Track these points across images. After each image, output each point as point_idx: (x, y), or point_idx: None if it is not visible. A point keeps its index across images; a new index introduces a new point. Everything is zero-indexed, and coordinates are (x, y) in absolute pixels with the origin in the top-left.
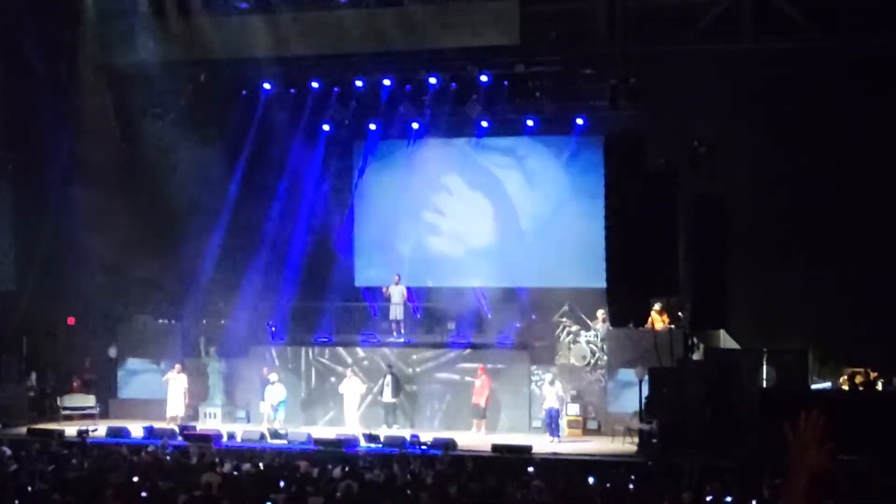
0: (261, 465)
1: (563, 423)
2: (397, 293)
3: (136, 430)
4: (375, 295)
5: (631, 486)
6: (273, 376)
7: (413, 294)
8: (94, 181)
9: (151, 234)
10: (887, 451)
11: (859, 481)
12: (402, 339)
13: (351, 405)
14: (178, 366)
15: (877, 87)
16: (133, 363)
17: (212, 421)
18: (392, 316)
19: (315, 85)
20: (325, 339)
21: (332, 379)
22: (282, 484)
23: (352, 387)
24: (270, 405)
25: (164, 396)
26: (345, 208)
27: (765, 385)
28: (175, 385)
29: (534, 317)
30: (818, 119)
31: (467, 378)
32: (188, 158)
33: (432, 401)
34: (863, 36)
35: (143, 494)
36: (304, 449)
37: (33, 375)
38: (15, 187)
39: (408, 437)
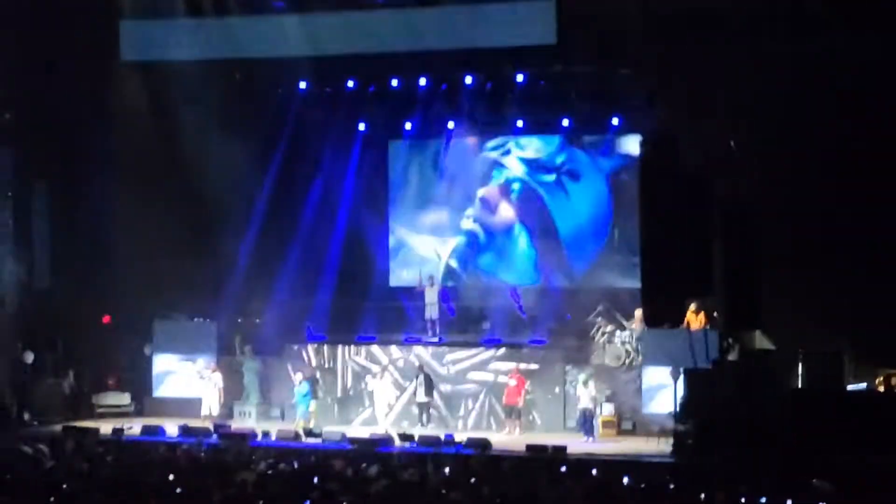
0: (295, 463)
1: (597, 423)
2: (432, 293)
3: (172, 428)
4: (410, 295)
5: (672, 486)
6: (297, 377)
7: (447, 294)
8: (130, 180)
9: (186, 233)
10: None
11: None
12: (436, 339)
13: (381, 404)
14: (212, 364)
15: None
16: (168, 361)
17: (247, 419)
18: (427, 316)
19: (350, 84)
20: (370, 339)
21: (368, 378)
22: (315, 481)
23: (383, 386)
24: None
25: (199, 395)
26: (380, 208)
27: (800, 386)
28: (209, 384)
29: (569, 316)
30: (857, 121)
31: (501, 378)
32: (223, 157)
33: (466, 400)
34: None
35: (179, 492)
36: (339, 448)
37: (71, 373)
38: (50, 185)
39: (442, 437)
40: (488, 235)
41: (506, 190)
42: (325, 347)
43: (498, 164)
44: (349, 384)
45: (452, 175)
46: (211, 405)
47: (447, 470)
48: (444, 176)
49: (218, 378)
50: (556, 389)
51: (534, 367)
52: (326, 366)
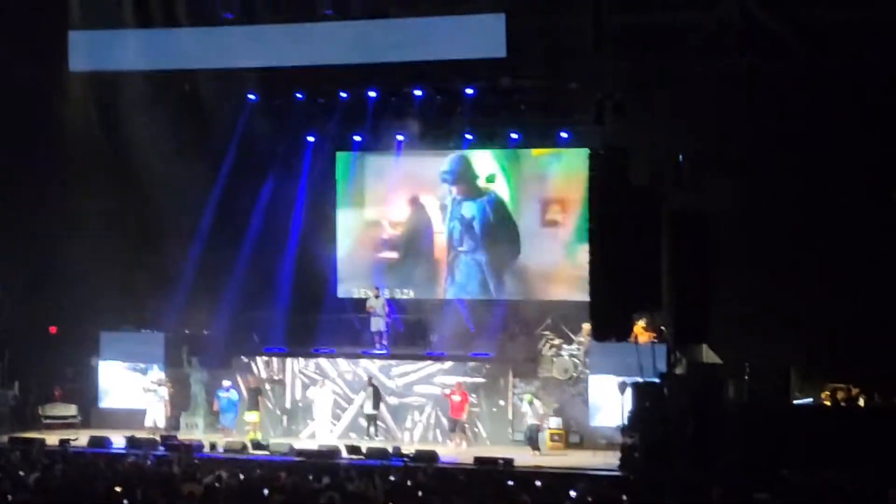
0: (241, 475)
1: (544, 436)
2: (378, 305)
3: (118, 439)
4: (358, 307)
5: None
6: (225, 383)
7: (394, 307)
8: (77, 190)
9: (135, 244)
10: (869, 466)
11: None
12: (384, 352)
13: (322, 413)
14: (159, 376)
15: (862, 107)
16: (115, 373)
17: (194, 431)
18: (374, 328)
19: (299, 96)
20: (318, 351)
21: (310, 388)
22: (265, 493)
23: (323, 395)
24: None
25: (146, 407)
26: (328, 219)
27: (747, 400)
28: (156, 395)
29: (516, 330)
30: (803, 137)
31: (447, 391)
32: (171, 168)
33: (413, 413)
34: (850, 59)
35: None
36: (286, 460)
37: (16, 384)
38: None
39: (390, 449)
40: (436, 247)
41: (453, 201)
42: (275, 359)
43: (446, 176)
44: (298, 396)
45: (401, 187)
46: (156, 417)
47: (395, 482)
48: (393, 187)
49: (164, 390)
50: (503, 403)
51: (480, 380)
52: (276, 377)
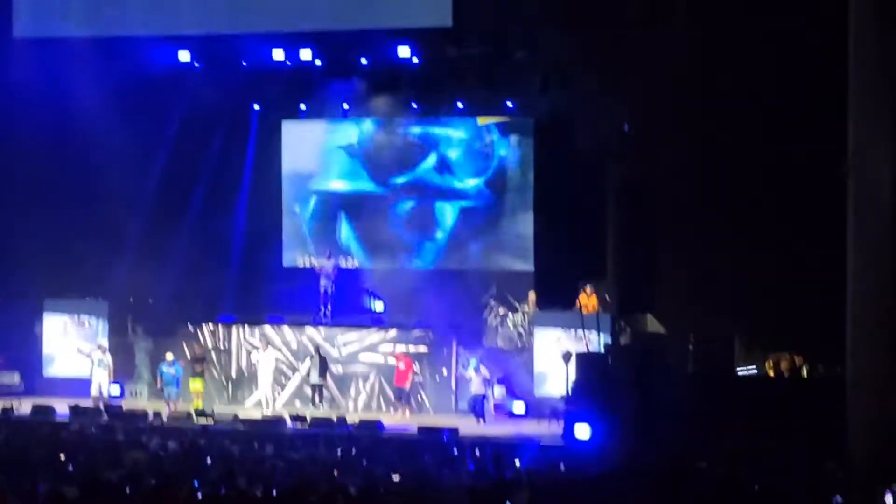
0: (185, 444)
1: (489, 405)
2: (329, 266)
3: (62, 407)
4: (303, 276)
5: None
6: (168, 356)
7: (341, 273)
8: (21, 159)
9: (78, 211)
10: (812, 436)
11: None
12: (328, 319)
13: (265, 378)
14: (101, 344)
15: (810, 69)
16: (58, 341)
17: (138, 399)
18: (322, 288)
19: (244, 64)
20: (266, 320)
21: (253, 353)
22: (209, 462)
23: (266, 358)
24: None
25: (90, 375)
26: (274, 187)
27: (691, 370)
28: (99, 365)
29: (461, 299)
30: (746, 104)
31: (391, 360)
32: (116, 136)
33: (357, 381)
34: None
35: (70, 470)
36: (231, 429)
37: None
38: None
39: (334, 419)
40: (382, 217)
41: (399, 170)
42: (220, 328)
43: (393, 146)
44: (243, 364)
45: (346, 157)
46: (101, 384)
47: (339, 451)
48: (338, 157)
49: (107, 358)
50: (446, 372)
51: (424, 349)
52: (222, 347)
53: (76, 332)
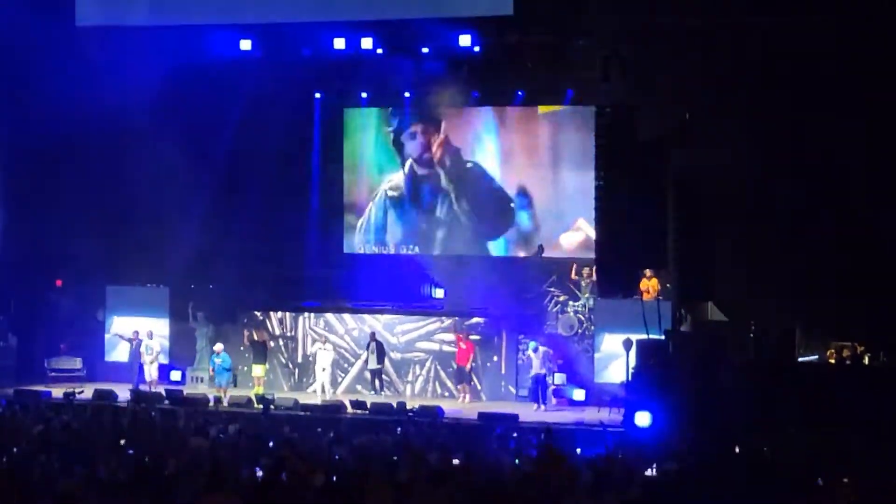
0: (246, 429)
1: (549, 392)
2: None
3: (123, 392)
4: (364, 262)
5: (620, 456)
6: (218, 346)
7: (403, 262)
8: (83, 146)
9: (140, 199)
10: (874, 424)
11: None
12: (389, 306)
13: (320, 374)
14: (149, 330)
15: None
16: (120, 327)
17: (199, 385)
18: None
19: (305, 52)
20: (315, 305)
21: (314, 345)
22: (270, 447)
23: (324, 355)
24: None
25: (129, 359)
26: (335, 175)
27: (752, 357)
28: (146, 350)
29: (521, 287)
30: (809, 94)
31: (448, 349)
32: (176, 124)
33: (414, 367)
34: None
35: (131, 454)
36: (292, 415)
37: (11, 339)
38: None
39: (394, 405)
40: (442, 204)
41: (461, 158)
42: (288, 315)
43: (454, 133)
44: (309, 351)
45: (407, 144)
46: (151, 372)
47: (399, 436)
48: (399, 145)
49: (155, 343)
50: (506, 359)
51: (487, 335)
52: (288, 333)
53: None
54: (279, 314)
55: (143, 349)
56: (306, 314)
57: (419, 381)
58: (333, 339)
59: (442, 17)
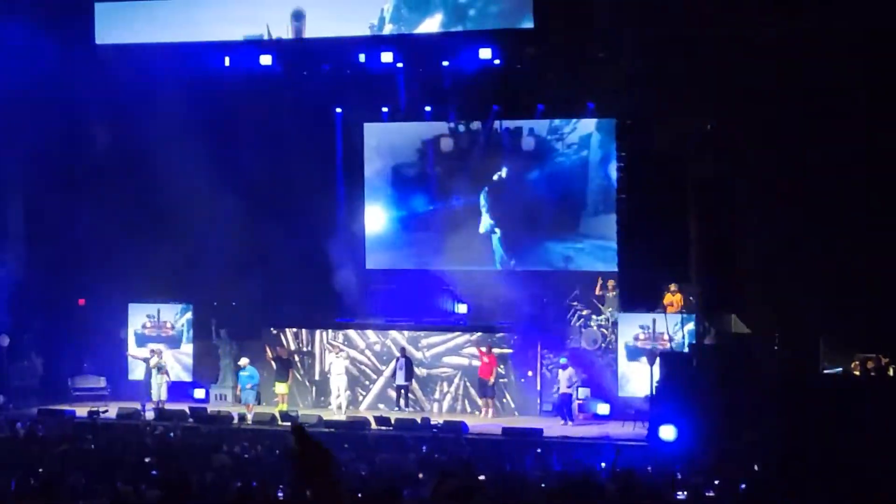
0: (270, 447)
1: (574, 406)
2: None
3: (148, 412)
4: (386, 278)
5: (648, 469)
6: (244, 361)
7: (425, 277)
8: (105, 164)
9: (160, 218)
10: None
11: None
12: (412, 322)
13: (336, 382)
14: (160, 347)
15: (889, 73)
16: (135, 347)
17: (222, 402)
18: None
19: (326, 67)
20: (347, 321)
21: (329, 356)
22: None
23: (338, 364)
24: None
25: (172, 378)
26: (357, 190)
27: (777, 370)
28: (157, 369)
29: (545, 300)
30: (830, 101)
31: (475, 362)
32: (197, 141)
33: (441, 384)
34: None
35: (155, 474)
36: (315, 431)
37: (36, 358)
38: (24, 171)
39: (418, 420)
40: (464, 219)
41: (481, 173)
42: (304, 331)
43: (474, 148)
44: (327, 368)
45: (427, 158)
46: (160, 391)
47: (424, 452)
48: (420, 159)
49: (164, 361)
50: (531, 374)
51: (508, 350)
52: (305, 349)
53: (156, 336)
54: (294, 329)
55: (154, 369)
56: (324, 329)
57: (447, 398)
58: (353, 354)
59: (462, 31)
